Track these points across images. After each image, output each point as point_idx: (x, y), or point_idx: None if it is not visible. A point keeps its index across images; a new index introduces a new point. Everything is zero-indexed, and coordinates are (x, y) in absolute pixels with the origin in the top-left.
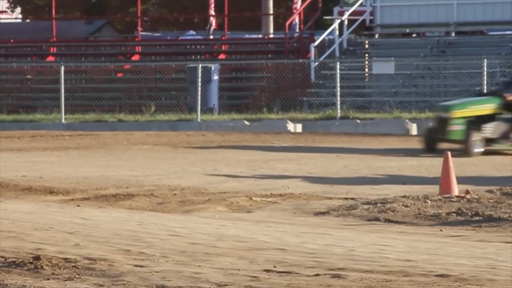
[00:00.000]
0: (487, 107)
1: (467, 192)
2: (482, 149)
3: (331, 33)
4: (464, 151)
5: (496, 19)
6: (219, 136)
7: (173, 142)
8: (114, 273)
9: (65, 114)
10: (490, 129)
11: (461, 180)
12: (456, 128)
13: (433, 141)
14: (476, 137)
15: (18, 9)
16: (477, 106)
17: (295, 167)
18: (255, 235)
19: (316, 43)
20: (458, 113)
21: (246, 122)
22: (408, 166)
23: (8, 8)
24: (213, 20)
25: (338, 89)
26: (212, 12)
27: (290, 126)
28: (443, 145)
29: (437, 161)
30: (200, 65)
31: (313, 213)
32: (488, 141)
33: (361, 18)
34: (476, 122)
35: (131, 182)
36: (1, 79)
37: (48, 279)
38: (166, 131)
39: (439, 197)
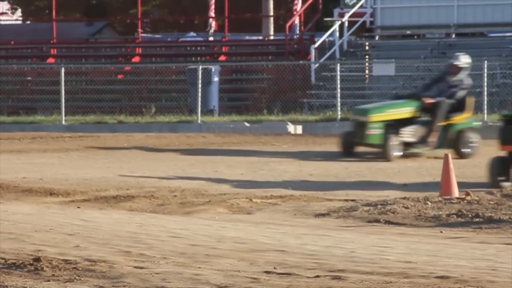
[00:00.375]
0: (405, 110)
1: (468, 193)
2: (400, 153)
3: (331, 34)
4: (382, 155)
5: (496, 21)
6: (219, 138)
7: (173, 143)
8: (114, 274)
9: (65, 115)
10: (408, 133)
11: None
12: (374, 132)
13: (351, 145)
14: (394, 141)
15: (19, 11)
16: (395, 110)
17: (295, 169)
18: (255, 236)
19: (316, 45)
20: (376, 116)
21: (246, 124)
22: (409, 168)
23: (8, 9)
24: (212, 22)
25: (339, 90)
26: (212, 13)
27: (291, 128)
28: (362, 149)
29: (438, 163)
30: (200, 67)
31: (313, 215)
32: (406, 145)
33: (361, 19)
34: (394, 126)
35: (132, 183)
36: (2, 81)
37: (48, 281)
38: (167, 133)
39: (439, 198)
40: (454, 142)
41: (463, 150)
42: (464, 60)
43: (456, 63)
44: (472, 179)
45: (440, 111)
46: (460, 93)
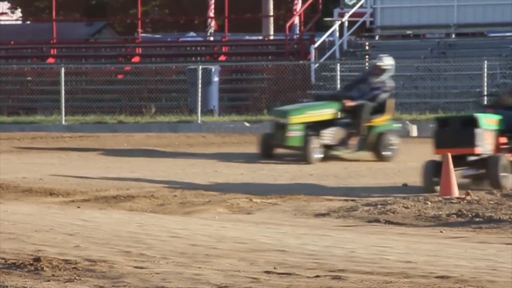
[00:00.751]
0: (325, 112)
1: (468, 193)
2: (321, 155)
3: (331, 34)
4: (303, 158)
5: (497, 21)
6: (219, 138)
7: (173, 143)
8: (114, 274)
9: (65, 115)
10: (328, 135)
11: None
12: (294, 134)
13: (270, 146)
14: (315, 143)
15: (18, 11)
16: (315, 111)
17: (295, 169)
18: (255, 236)
19: (316, 45)
20: (296, 118)
21: (247, 124)
22: (408, 168)
23: (8, 8)
24: (212, 22)
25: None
26: (211, 13)
27: None
28: (281, 151)
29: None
30: (200, 67)
31: (313, 215)
32: (327, 147)
33: (361, 19)
34: (315, 128)
35: (132, 183)
36: (2, 81)
37: (49, 281)
38: (167, 133)
39: (440, 198)
40: (375, 144)
41: (383, 153)
42: (387, 61)
43: (379, 64)
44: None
45: (363, 114)
46: (383, 96)
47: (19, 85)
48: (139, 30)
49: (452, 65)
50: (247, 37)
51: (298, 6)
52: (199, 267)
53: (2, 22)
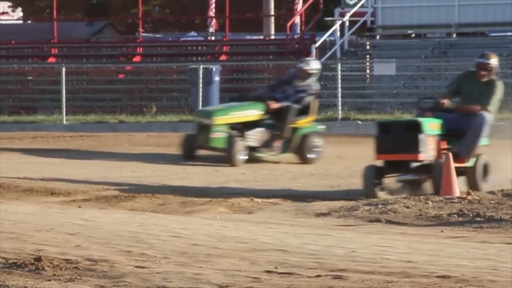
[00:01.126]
0: (250, 113)
1: (469, 193)
2: (246, 157)
3: (332, 34)
4: (227, 160)
5: (497, 20)
6: None
7: (174, 143)
8: (115, 274)
9: (66, 115)
10: (252, 137)
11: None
12: (218, 135)
13: (192, 148)
14: (239, 145)
15: (19, 11)
16: (239, 112)
17: (296, 168)
18: (256, 236)
19: (317, 44)
20: (220, 119)
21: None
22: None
23: (9, 7)
24: (212, 21)
25: (339, 90)
26: (211, 13)
27: None
28: (205, 152)
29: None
30: (201, 66)
31: (314, 214)
32: (251, 149)
33: (362, 19)
34: (239, 129)
35: (133, 183)
36: (2, 80)
37: (49, 280)
38: (167, 132)
39: (440, 198)
40: (299, 147)
41: (308, 155)
42: (314, 65)
43: (306, 68)
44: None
45: (288, 117)
46: (308, 99)
47: (20, 84)
48: (140, 29)
49: (453, 64)
50: (248, 37)
51: (299, 6)
52: (200, 267)
53: (3, 22)
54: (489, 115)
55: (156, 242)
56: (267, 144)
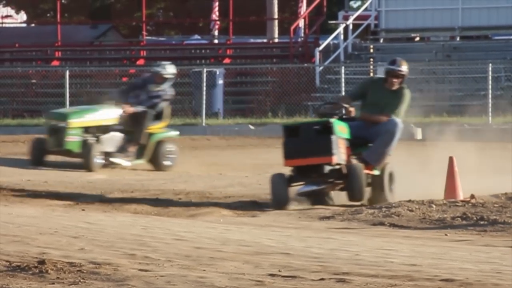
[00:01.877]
0: (105, 117)
1: (472, 196)
2: (102, 162)
3: (336, 37)
4: (84, 165)
5: (501, 24)
6: (224, 140)
7: (177, 146)
8: (119, 277)
9: None
10: (107, 142)
11: None
12: (73, 139)
13: (43, 152)
14: (95, 149)
15: (23, 14)
16: (95, 115)
17: None
18: (260, 239)
19: (321, 48)
20: (75, 122)
21: (251, 127)
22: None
23: (12, 8)
24: (215, 24)
25: (343, 93)
26: (214, 16)
27: None
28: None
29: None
30: (205, 70)
31: (318, 218)
32: (107, 154)
33: (366, 22)
34: (94, 133)
35: (136, 186)
36: (6, 84)
37: (53, 283)
38: None
39: (444, 201)
40: (154, 153)
41: (163, 162)
42: (170, 70)
43: (162, 72)
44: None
45: (144, 122)
46: (162, 104)
47: (24, 87)
48: (144, 33)
49: (457, 68)
50: (252, 40)
51: (303, 9)
52: (204, 270)
53: (7, 25)
54: (401, 122)
55: (159, 245)
56: (122, 149)
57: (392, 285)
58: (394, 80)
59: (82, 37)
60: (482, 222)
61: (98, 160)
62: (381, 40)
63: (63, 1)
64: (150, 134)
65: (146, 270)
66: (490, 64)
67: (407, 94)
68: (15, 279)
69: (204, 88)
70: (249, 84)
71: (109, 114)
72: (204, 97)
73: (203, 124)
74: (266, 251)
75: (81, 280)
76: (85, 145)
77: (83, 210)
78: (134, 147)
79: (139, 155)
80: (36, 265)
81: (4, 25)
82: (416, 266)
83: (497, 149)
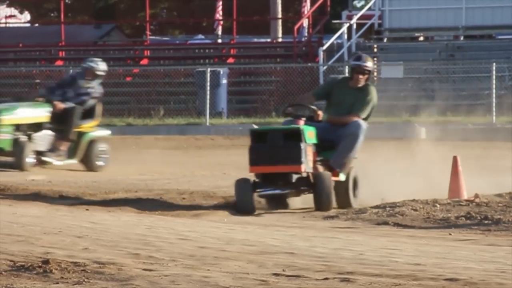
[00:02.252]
0: (37, 114)
1: (476, 196)
2: (34, 162)
3: (339, 37)
4: (15, 164)
5: (505, 23)
6: (228, 140)
7: (181, 146)
8: (123, 277)
9: None
10: (39, 140)
11: None
12: (4, 136)
13: None
14: (28, 148)
15: (27, 13)
16: (26, 112)
17: None
18: (264, 239)
19: (324, 47)
20: (7, 119)
21: (255, 126)
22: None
23: (16, 8)
24: (218, 24)
25: None
26: (217, 15)
27: None
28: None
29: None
30: (208, 69)
31: (322, 217)
32: (38, 153)
33: (369, 22)
34: (26, 131)
35: (140, 186)
36: (10, 83)
37: (57, 283)
38: (175, 135)
39: (448, 201)
40: (86, 152)
41: (96, 162)
42: (102, 67)
43: (94, 67)
44: None
45: (73, 118)
46: (91, 102)
47: (28, 87)
48: (148, 32)
49: (461, 67)
50: (256, 40)
51: (307, 9)
52: (208, 270)
53: (11, 25)
54: (365, 123)
55: (163, 245)
56: (53, 148)
57: (396, 285)
58: (360, 76)
59: (85, 37)
60: (486, 222)
61: (29, 159)
62: (385, 40)
63: (67, 1)
64: (82, 133)
65: (150, 270)
66: (494, 64)
67: (373, 91)
68: (19, 279)
69: (208, 88)
70: (253, 83)
71: (40, 111)
72: (208, 96)
73: (207, 124)
74: (270, 251)
75: (85, 280)
76: (17, 143)
77: (87, 209)
78: (65, 146)
79: (71, 154)
80: (40, 264)
81: (8, 25)
82: (420, 265)
83: (501, 149)
